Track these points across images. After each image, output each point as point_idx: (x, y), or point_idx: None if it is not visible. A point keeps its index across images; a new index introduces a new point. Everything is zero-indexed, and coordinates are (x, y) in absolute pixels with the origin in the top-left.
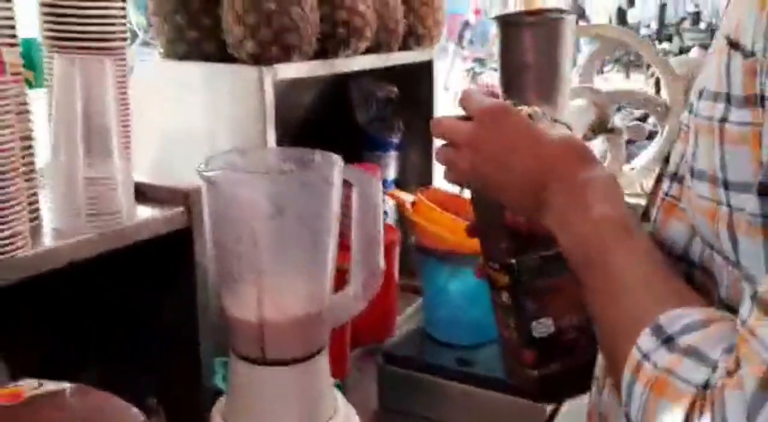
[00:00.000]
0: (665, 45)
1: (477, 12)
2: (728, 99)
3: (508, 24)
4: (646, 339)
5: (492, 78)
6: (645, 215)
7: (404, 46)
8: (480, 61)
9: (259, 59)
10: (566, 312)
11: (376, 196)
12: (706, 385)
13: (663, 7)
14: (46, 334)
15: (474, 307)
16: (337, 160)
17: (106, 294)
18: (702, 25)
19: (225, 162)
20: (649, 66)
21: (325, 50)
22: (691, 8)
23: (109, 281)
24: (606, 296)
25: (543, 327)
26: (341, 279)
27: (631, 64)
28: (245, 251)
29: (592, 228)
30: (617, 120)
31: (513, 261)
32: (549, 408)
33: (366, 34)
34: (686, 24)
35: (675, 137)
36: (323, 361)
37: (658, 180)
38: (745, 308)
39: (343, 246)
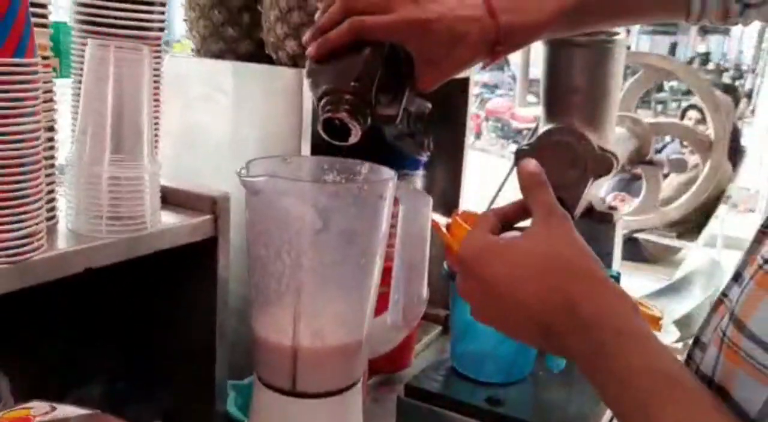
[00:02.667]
0: (674, 83)
1: None
2: None
3: (558, 43)
4: None
5: (498, 104)
6: (737, 277)
7: None
8: (488, 87)
9: (300, 62)
10: None
11: (426, 217)
12: None
13: (674, 46)
14: (47, 345)
15: (506, 343)
16: (390, 174)
17: (115, 304)
18: (711, 66)
19: (266, 169)
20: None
21: None
22: (701, 49)
23: (120, 290)
24: None
25: None
26: (379, 303)
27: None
28: (285, 267)
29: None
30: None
31: None
32: None
33: None
34: (695, 64)
35: (717, 174)
36: (357, 396)
37: (758, 239)
38: None
39: (385, 269)
